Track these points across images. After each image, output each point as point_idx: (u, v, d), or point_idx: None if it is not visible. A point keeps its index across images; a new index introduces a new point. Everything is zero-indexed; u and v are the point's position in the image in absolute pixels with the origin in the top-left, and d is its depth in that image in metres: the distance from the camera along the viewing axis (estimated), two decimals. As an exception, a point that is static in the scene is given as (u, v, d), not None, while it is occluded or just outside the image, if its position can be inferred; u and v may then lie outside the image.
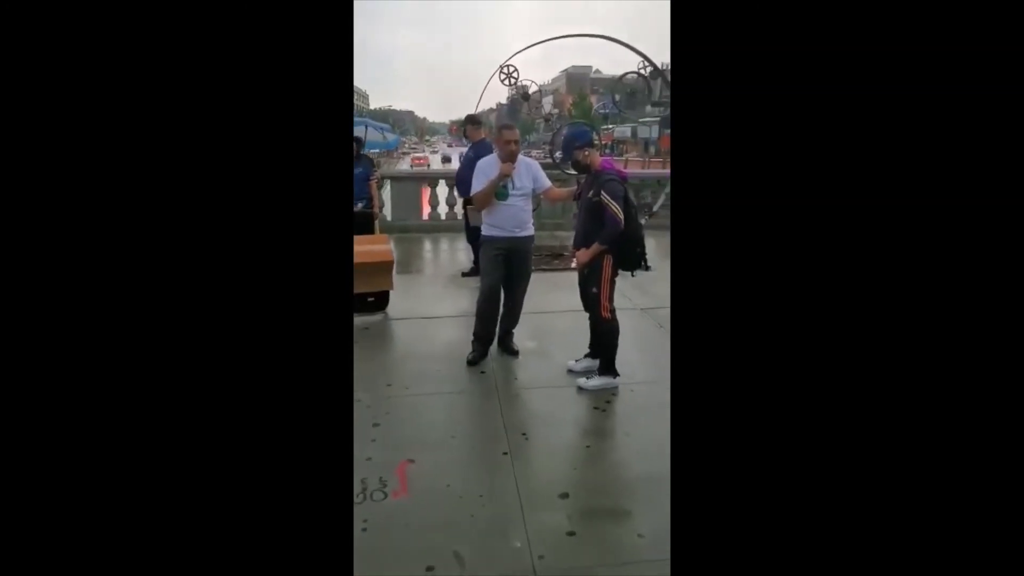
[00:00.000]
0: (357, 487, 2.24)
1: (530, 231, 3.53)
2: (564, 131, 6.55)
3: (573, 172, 4.94)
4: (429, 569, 1.84)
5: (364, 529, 2.01)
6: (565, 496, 2.25)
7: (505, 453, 2.55)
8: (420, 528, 2.05)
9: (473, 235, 5.19)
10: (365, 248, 4.19)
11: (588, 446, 2.70)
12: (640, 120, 43.05)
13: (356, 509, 2.09)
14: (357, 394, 2.94)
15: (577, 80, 60.05)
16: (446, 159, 22.61)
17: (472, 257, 5.48)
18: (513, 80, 6.62)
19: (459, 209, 6.78)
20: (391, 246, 4.63)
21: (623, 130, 46.15)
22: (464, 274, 5.53)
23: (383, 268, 4.37)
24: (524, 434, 2.73)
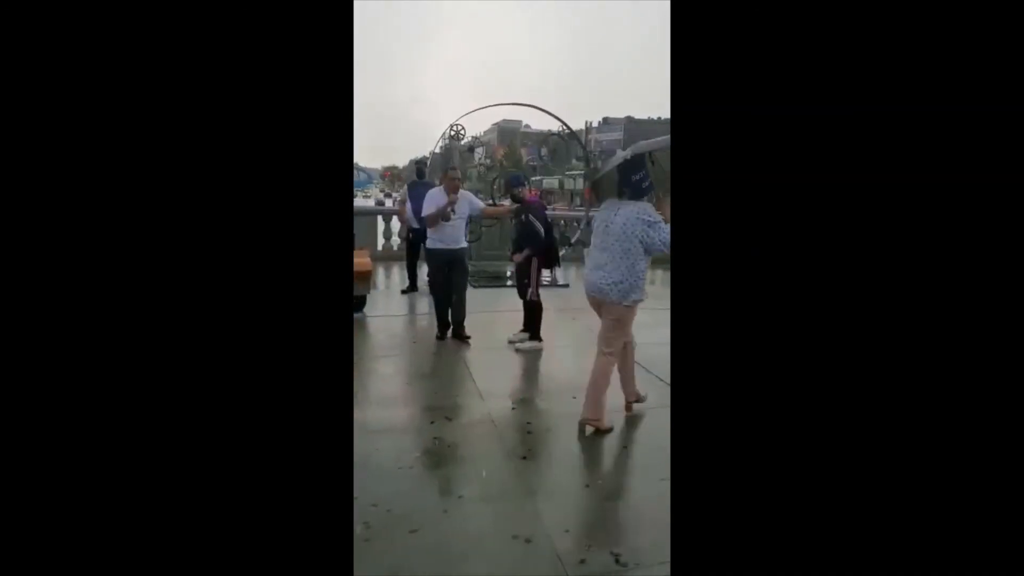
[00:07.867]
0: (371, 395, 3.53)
1: (464, 244, 4.79)
2: (503, 178, 8.18)
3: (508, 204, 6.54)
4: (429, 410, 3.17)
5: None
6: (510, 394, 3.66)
7: (471, 379, 3.93)
8: (421, 399, 3.41)
9: (414, 258, 6.53)
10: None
11: (522, 374, 4.16)
12: (566, 172, 46.46)
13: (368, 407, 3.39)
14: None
15: (508, 133, 62.82)
16: (379, 203, 23.50)
17: (408, 277, 6.67)
18: (461, 136, 8.22)
19: (396, 240, 8.11)
20: (369, 259, 5.91)
21: (551, 181, 49.25)
22: (403, 291, 6.59)
23: (363, 276, 5.61)
24: (480, 369, 4.11)
